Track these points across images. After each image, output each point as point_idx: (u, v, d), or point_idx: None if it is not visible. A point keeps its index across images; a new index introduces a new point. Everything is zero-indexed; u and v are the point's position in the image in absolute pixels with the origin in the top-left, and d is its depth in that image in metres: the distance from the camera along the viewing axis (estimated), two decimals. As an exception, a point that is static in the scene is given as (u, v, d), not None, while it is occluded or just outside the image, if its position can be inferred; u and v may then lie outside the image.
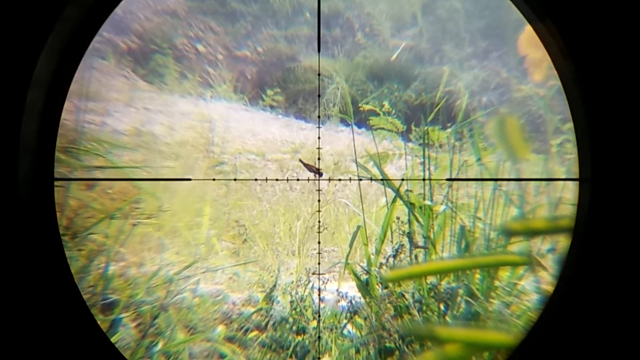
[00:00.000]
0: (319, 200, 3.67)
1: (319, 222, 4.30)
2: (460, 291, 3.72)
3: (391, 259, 4.08)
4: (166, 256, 4.96)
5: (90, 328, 1.94)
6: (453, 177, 4.38)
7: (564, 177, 5.09)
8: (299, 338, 3.94)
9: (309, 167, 4.06)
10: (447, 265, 3.35)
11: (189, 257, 5.06)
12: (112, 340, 3.67)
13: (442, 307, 3.72)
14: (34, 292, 1.81)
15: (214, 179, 4.82)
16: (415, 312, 3.70)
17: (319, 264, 4.25)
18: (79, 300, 1.95)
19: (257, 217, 6.27)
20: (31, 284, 1.81)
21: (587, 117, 1.83)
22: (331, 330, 3.97)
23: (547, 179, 4.45)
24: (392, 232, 4.23)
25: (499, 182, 4.34)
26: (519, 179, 4.28)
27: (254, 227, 5.99)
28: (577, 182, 1.96)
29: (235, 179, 6.80)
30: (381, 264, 4.09)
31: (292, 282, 4.63)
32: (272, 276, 4.86)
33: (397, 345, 3.53)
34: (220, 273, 5.10)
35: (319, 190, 3.73)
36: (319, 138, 3.50)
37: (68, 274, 1.93)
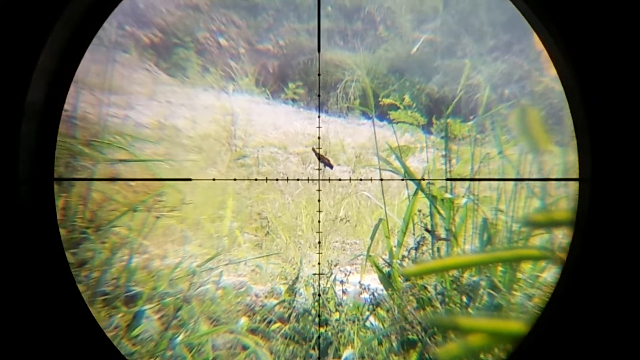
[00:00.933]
0: (319, 200, 3.67)
1: (319, 221, 4.29)
2: (483, 283, 3.72)
3: (413, 252, 4.08)
4: (189, 248, 4.99)
5: (89, 327, 1.97)
6: (475, 169, 4.38)
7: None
8: (322, 330, 3.96)
9: (320, 158, 4.06)
10: (467, 260, 3.36)
11: (211, 250, 5.09)
12: (135, 332, 3.72)
13: (464, 299, 3.72)
14: (33, 292, 1.83)
15: (213, 180, 4.89)
16: (437, 304, 3.70)
17: (318, 263, 4.27)
18: (78, 299, 1.97)
19: (279, 209, 6.28)
20: (31, 284, 1.83)
21: (587, 117, 1.83)
22: (354, 322, 3.98)
23: (546, 179, 4.42)
24: (414, 225, 4.24)
25: (520, 174, 4.33)
26: (516, 179, 4.27)
27: (277, 219, 6.00)
28: (577, 182, 1.97)
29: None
30: (403, 256, 4.10)
31: (315, 274, 4.64)
32: (294, 268, 4.87)
33: (420, 337, 3.54)
34: (243, 265, 5.12)
35: (319, 190, 3.72)
36: (319, 138, 3.53)
37: (68, 273, 1.96)
